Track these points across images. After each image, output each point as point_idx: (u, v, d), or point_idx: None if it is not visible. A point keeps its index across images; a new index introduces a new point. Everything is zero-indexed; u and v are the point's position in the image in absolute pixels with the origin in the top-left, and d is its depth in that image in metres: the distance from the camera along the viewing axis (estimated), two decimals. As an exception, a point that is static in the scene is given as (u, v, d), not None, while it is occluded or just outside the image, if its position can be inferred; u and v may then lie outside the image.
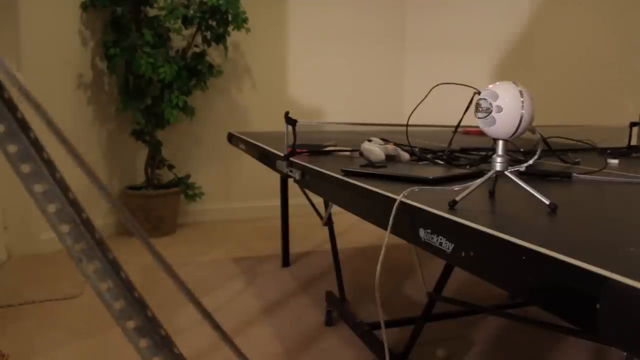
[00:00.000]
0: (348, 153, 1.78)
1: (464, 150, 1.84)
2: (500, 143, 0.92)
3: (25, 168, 0.60)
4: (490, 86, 0.89)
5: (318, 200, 2.42)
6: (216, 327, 0.65)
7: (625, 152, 1.92)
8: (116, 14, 3.36)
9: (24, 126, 0.60)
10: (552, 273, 0.63)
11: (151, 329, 0.64)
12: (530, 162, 1.10)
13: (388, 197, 1.02)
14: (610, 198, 1.07)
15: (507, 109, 0.86)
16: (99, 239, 0.63)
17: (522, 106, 0.86)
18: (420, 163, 1.51)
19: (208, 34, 3.53)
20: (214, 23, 3.47)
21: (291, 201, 3.12)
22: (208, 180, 4.01)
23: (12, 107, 0.59)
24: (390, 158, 1.54)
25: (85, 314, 2.29)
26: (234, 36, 3.82)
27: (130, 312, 0.63)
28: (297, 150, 1.73)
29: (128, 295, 0.63)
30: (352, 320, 1.96)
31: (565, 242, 0.70)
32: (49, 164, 0.62)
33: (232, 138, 2.65)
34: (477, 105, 0.89)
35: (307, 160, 1.60)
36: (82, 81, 3.36)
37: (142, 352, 0.64)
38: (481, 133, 2.83)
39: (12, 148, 0.59)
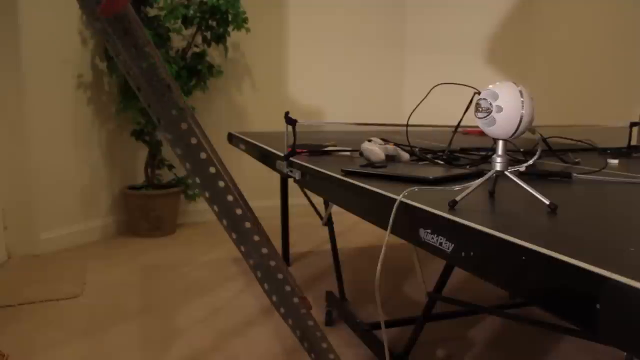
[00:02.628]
0: (348, 153, 1.78)
1: (464, 150, 1.83)
2: (500, 143, 0.92)
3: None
4: (490, 86, 0.89)
5: (318, 200, 2.42)
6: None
7: (625, 152, 1.92)
8: (116, 14, 3.36)
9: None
10: (552, 273, 0.63)
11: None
12: (530, 162, 1.10)
13: (388, 197, 1.02)
14: (610, 198, 1.07)
15: (507, 109, 0.86)
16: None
17: (522, 106, 0.86)
18: (420, 163, 1.51)
19: (208, 34, 3.53)
20: (214, 23, 3.47)
21: (291, 201, 3.12)
22: (208, 180, 4.00)
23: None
24: (390, 158, 1.54)
25: (85, 314, 2.29)
26: (234, 36, 3.82)
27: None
28: (297, 150, 1.73)
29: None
30: (352, 320, 1.96)
31: (565, 242, 0.70)
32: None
33: (232, 138, 2.65)
34: (477, 105, 0.89)
35: (307, 160, 1.60)
36: (82, 81, 3.36)
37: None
38: (481, 133, 2.83)
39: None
